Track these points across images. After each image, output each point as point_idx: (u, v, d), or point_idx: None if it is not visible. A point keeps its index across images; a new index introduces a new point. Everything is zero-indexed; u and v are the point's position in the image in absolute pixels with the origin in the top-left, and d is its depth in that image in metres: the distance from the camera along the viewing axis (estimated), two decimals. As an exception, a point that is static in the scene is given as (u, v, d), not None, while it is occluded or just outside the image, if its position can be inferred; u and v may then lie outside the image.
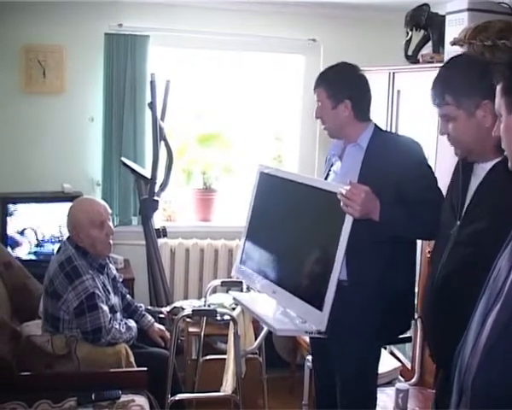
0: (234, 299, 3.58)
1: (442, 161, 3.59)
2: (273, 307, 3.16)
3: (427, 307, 2.63)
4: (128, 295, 4.17)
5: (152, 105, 4.71)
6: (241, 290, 3.96)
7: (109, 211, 3.91)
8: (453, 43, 3.66)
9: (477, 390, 1.72)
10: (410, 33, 4.35)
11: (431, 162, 3.41)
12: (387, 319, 2.88)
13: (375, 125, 3.19)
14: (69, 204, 3.94)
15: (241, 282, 3.78)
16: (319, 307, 2.78)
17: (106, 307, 3.66)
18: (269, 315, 3.10)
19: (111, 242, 3.85)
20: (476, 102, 2.42)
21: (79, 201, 4.01)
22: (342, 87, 3.13)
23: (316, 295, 2.85)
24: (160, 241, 5.06)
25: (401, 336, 3.24)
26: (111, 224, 3.88)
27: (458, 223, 2.49)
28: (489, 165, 2.46)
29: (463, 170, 2.58)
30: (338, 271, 2.75)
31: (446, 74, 2.58)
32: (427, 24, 4.23)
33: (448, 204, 2.64)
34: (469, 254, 2.41)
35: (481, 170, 2.49)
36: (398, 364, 4.18)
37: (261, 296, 3.32)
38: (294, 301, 2.97)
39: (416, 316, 3.60)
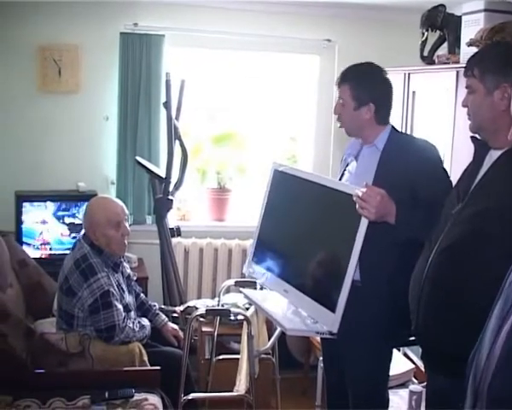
0: (244, 296, 3.56)
1: (457, 162, 3.57)
2: (284, 306, 3.15)
3: (417, 288, 2.59)
4: (142, 294, 4.18)
5: (167, 104, 4.71)
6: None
7: (126, 212, 3.91)
8: (469, 44, 3.65)
9: (493, 396, 1.70)
10: (425, 34, 4.33)
11: (446, 163, 3.41)
12: (400, 320, 2.86)
13: (392, 126, 3.18)
14: (84, 203, 3.95)
15: (255, 282, 3.77)
16: (332, 308, 2.77)
17: (120, 306, 3.67)
18: (280, 314, 3.09)
19: (126, 242, 3.86)
20: (497, 82, 2.44)
21: (97, 199, 4.03)
22: (368, 90, 3.11)
23: (328, 296, 2.84)
24: (174, 240, 5.06)
25: (414, 339, 3.23)
26: (127, 225, 3.89)
27: (460, 205, 2.50)
28: (499, 153, 2.47)
29: (475, 159, 2.60)
30: (352, 273, 2.74)
31: (484, 51, 2.70)
32: (442, 25, 4.22)
33: (455, 190, 2.65)
34: (468, 230, 2.42)
35: (491, 158, 2.51)
36: (412, 366, 4.16)
37: (272, 294, 3.30)
38: (306, 300, 2.97)
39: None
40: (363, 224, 2.74)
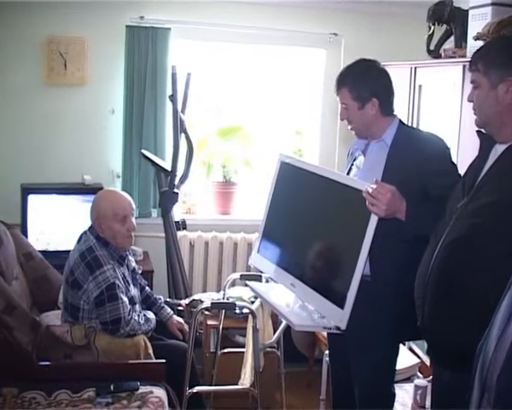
0: (250, 289, 3.56)
1: (463, 156, 3.57)
2: (290, 300, 3.14)
3: (422, 282, 2.59)
4: (147, 287, 4.19)
5: (173, 97, 4.70)
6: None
7: (133, 206, 3.91)
8: (477, 38, 3.63)
9: (502, 388, 1.70)
10: (432, 28, 4.32)
11: (452, 157, 3.40)
12: (407, 316, 2.85)
13: (400, 120, 3.16)
14: (90, 196, 3.94)
15: (261, 275, 3.77)
16: (340, 305, 2.76)
17: (126, 298, 3.67)
18: (287, 308, 3.09)
19: (132, 236, 3.86)
20: (501, 76, 2.44)
21: (105, 192, 4.03)
22: (367, 86, 3.08)
23: (337, 292, 2.82)
24: (180, 233, 5.06)
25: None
26: (134, 219, 3.88)
27: (466, 199, 2.50)
28: (504, 147, 2.47)
29: (480, 153, 2.60)
30: (361, 270, 2.73)
31: (488, 45, 2.68)
32: (449, 18, 4.20)
33: (460, 184, 2.64)
34: (474, 224, 2.41)
35: (496, 153, 2.51)
36: (417, 360, 4.15)
37: (278, 287, 3.29)
38: (314, 296, 2.95)
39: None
40: (373, 220, 2.72)
